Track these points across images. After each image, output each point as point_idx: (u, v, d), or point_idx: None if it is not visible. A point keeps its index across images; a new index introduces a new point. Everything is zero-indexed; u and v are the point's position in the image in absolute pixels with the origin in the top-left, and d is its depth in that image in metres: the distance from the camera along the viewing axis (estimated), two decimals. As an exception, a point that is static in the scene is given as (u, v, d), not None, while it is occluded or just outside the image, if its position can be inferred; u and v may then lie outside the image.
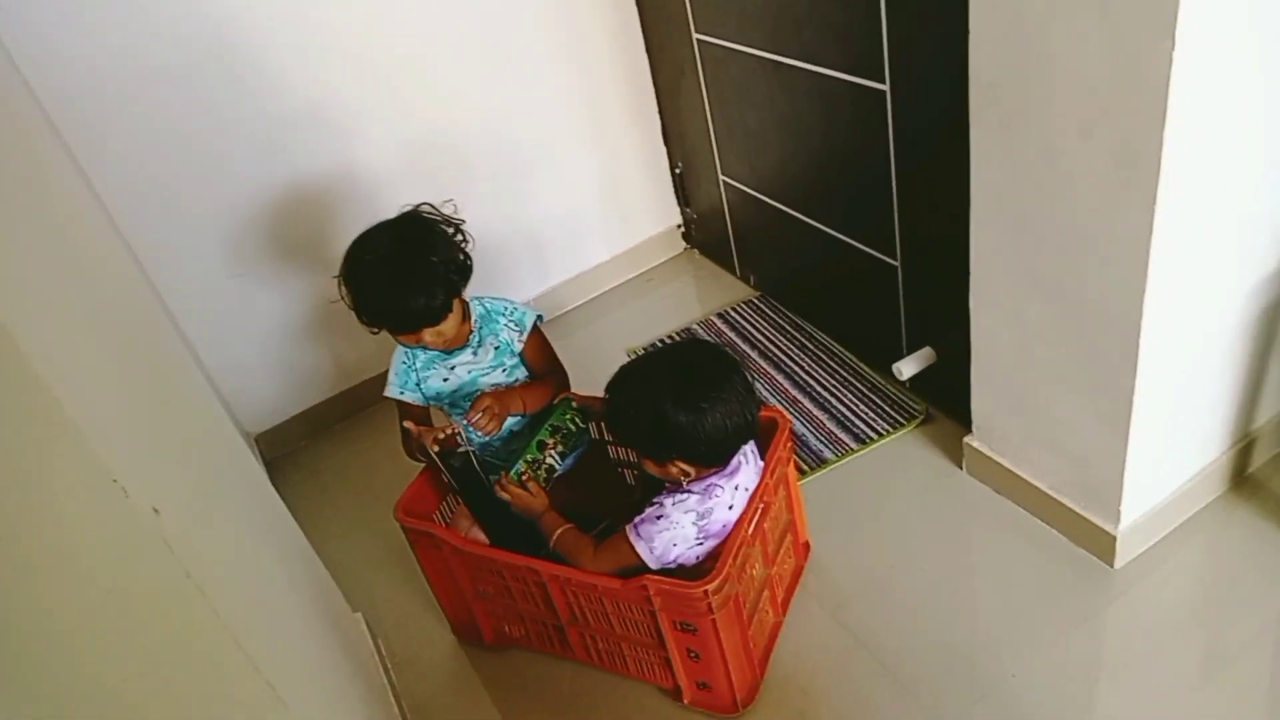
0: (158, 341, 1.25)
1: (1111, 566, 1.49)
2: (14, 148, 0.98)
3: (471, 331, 1.58)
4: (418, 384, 1.58)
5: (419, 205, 1.52)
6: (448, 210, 1.52)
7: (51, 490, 0.66)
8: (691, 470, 1.34)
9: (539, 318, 1.65)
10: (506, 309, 1.62)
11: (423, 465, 1.56)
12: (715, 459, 1.34)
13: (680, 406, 1.27)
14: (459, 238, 1.51)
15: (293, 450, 2.25)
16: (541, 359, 1.64)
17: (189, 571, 0.74)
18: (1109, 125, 1.12)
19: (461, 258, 1.50)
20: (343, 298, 1.48)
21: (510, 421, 1.60)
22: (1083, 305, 1.30)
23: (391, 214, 1.51)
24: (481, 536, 1.54)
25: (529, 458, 1.50)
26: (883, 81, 1.58)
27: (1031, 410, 1.51)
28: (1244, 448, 1.53)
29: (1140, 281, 1.19)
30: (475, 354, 1.58)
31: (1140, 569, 1.49)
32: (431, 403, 1.61)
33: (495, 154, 2.21)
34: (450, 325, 1.50)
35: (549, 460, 1.51)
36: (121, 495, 0.69)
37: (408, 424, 1.55)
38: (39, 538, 0.66)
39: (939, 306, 1.72)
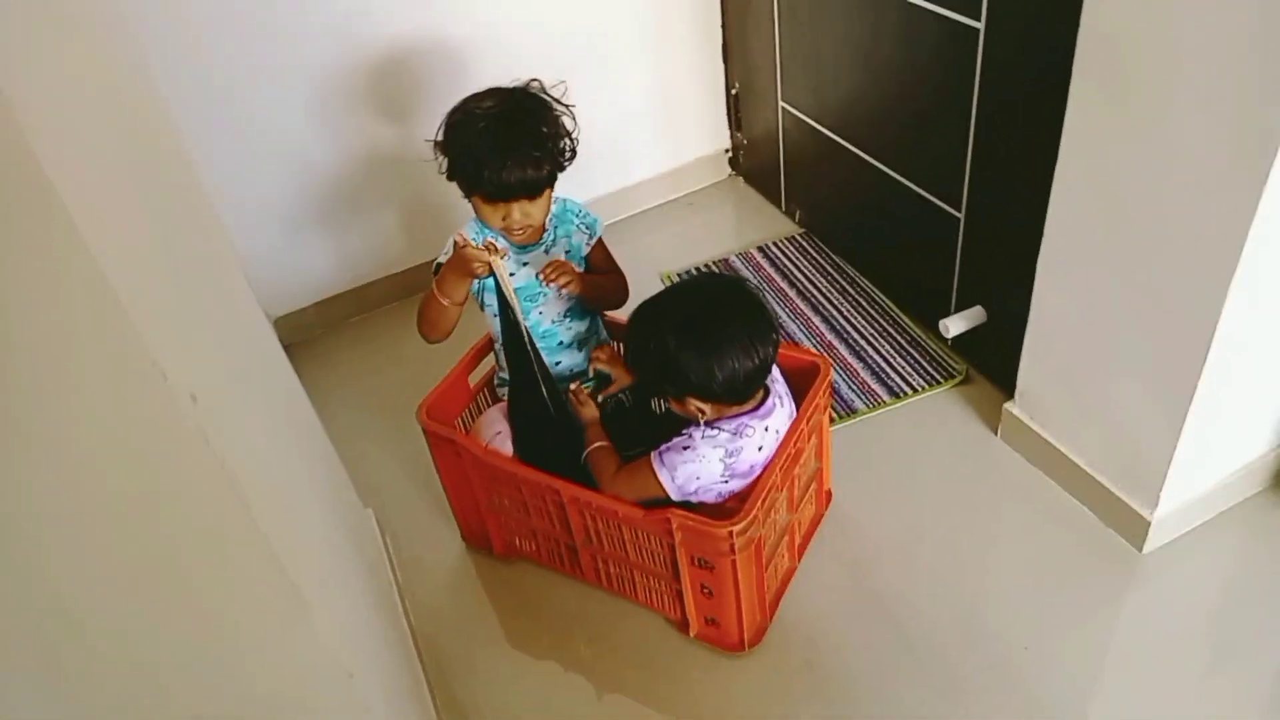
0: (197, 214, 1.20)
1: (1140, 551, 1.46)
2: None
3: (546, 229, 1.52)
4: None
5: (530, 80, 1.45)
6: (557, 92, 1.46)
7: (91, 370, 0.62)
8: (707, 408, 1.30)
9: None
10: (579, 210, 1.57)
11: (437, 366, 1.51)
12: (730, 398, 1.30)
13: (686, 346, 1.24)
14: (569, 121, 1.45)
15: (308, 339, 2.21)
16: (605, 263, 1.61)
17: (224, 463, 0.70)
18: (1233, 103, 1.04)
19: (569, 140, 1.44)
20: (436, 157, 1.42)
21: (566, 324, 1.56)
22: (1160, 290, 1.24)
23: (447, 96, 1.44)
24: (506, 445, 1.50)
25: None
26: (978, 19, 1.47)
27: (1083, 385, 1.45)
28: (1292, 448, 1.49)
29: (1228, 274, 1.13)
30: (548, 253, 1.52)
31: (1168, 557, 1.46)
32: (478, 296, 1.53)
33: (550, 52, 2.11)
34: (540, 209, 1.44)
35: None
36: (161, 379, 0.65)
37: (459, 237, 1.40)
38: (74, 418, 0.62)
39: (998, 266, 1.65)
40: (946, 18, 1.54)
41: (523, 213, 1.42)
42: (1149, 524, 1.42)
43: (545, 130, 1.40)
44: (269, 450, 0.96)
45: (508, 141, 1.37)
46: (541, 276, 1.46)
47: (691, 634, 1.45)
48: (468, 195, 1.44)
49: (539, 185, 1.41)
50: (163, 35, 1.76)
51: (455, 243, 1.41)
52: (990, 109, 1.54)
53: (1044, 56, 1.31)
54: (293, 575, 0.78)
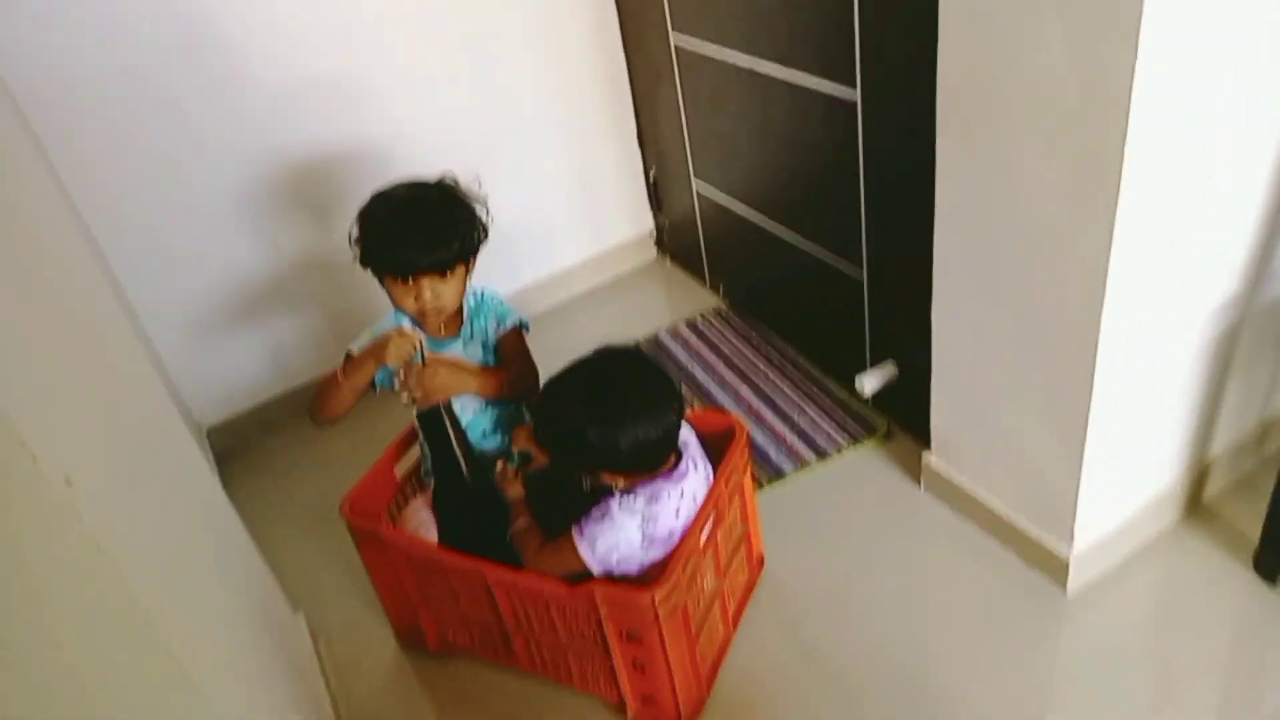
0: (96, 319, 1.21)
1: (1064, 590, 1.47)
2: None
3: (464, 324, 1.55)
4: None
5: (443, 173, 1.51)
6: (473, 185, 1.52)
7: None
8: (620, 479, 1.32)
9: (524, 324, 1.61)
10: (497, 302, 1.60)
11: (372, 462, 1.52)
12: (639, 466, 1.32)
13: (592, 421, 1.26)
14: (480, 209, 1.50)
15: (245, 445, 2.19)
16: (512, 352, 1.60)
17: (100, 546, 0.70)
18: (1070, 137, 1.12)
19: (480, 227, 1.48)
20: (351, 245, 1.46)
21: (487, 413, 1.57)
22: (1041, 321, 1.30)
23: (364, 196, 1.49)
24: (431, 534, 1.49)
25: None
26: (854, 89, 1.57)
27: (989, 427, 1.50)
28: (1198, 475, 1.53)
29: (1098, 299, 1.19)
30: (464, 348, 1.54)
31: (1092, 594, 1.48)
32: (384, 386, 1.54)
33: (468, 146, 2.18)
34: (451, 289, 1.46)
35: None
36: (31, 461, 0.65)
37: (391, 333, 1.43)
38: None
39: (903, 321, 1.71)
40: (826, 93, 1.64)
41: (433, 292, 1.45)
42: (1068, 562, 1.45)
43: (453, 212, 1.45)
44: (163, 542, 0.95)
45: (413, 219, 1.42)
46: (398, 388, 1.45)
47: (630, 716, 1.43)
48: (380, 279, 1.47)
49: (445, 261, 1.44)
50: (73, 140, 1.79)
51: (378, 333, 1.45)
52: (876, 173, 1.62)
53: (915, 120, 1.39)
54: (179, 654, 0.77)
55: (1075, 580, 1.47)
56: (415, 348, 1.43)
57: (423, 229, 1.41)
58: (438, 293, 1.45)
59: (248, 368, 2.17)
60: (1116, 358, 1.25)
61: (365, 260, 1.47)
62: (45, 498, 0.67)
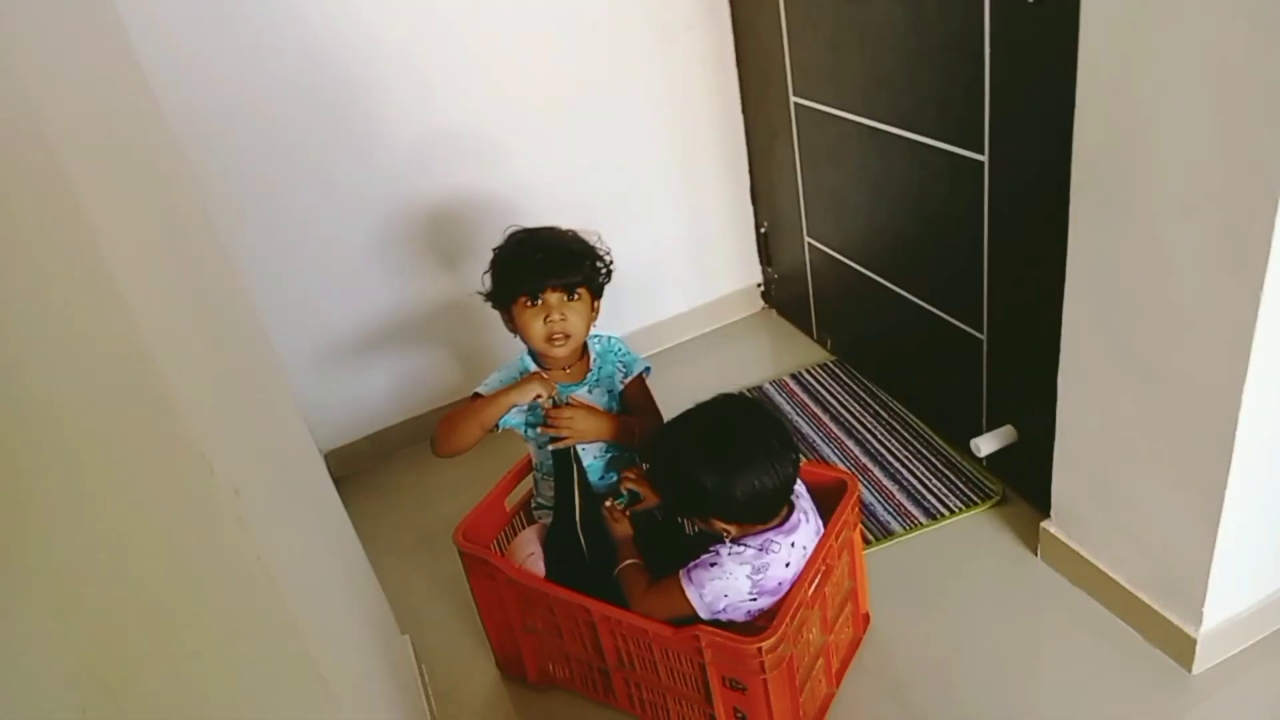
0: (250, 343, 1.30)
1: (1189, 671, 1.40)
2: (138, 152, 1.04)
3: (590, 370, 1.60)
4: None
5: (568, 230, 1.58)
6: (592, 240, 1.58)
7: (142, 461, 0.69)
8: (732, 528, 1.33)
9: (647, 369, 1.66)
10: (621, 350, 1.64)
11: (479, 494, 1.57)
12: (752, 516, 1.32)
13: (706, 469, 1.27)
14: (606, 257, 1.57)
15: (360, 470, 2.29)
16: (641, 401, 1.64)
17: (260, 555, 0.75)
18: (1215, 208, 1.09)
19: (606, 267, 1.55)
20: (482, 283, 1.55)
21: (605, 456, 1.61)
22: (1177, 392, 1.26)
23: (491, 242, 1.57)
24: (539, 567, 1.52)
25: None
26: (981, 152, 1.57)
27: (1115, 498, 1.45)
28: (1342, 562, 1.44)
29: (1241, 371, 1.15)
30: (590, 392, 1.59)
31: (1219, 677, 1.40)
32: (514, 427, 1.59)
33: (589, 201, 2.26)
34: (579, 315, 1.51)
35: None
36: (208, 472, 0.71)
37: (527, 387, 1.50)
38: (125, 506, 0.68)
39: (1023, 384, 1.68)
40: (952, 152, 1.64)
41: (560, 313, 1.49)
42: (1195, 641, 1.38)
43: (583, 244, 1.53)
44: (306, 555, 1.01)
45: (544, 245, 1.51)
46: (545, 424, 1.52)
47: (728, 762, 1.42)
48: (509, 310, 1.52)
49: (572, 280, 1.50)
50: (220, 182, 1.92)
51: (517, 377, 1.54)
52: (1001, 233, 1.61)
53: (1044, 181, 1.38)
54: (320, 668, 0.81)
55: (1202, 662, 1.40)
56: (554, 390, 1.50)
57: (551, 250, 1.50)
58: (564, 314, 1.49)
59: (369, 399, 2.27)
60: (1257, 432, 1.20)
61: (497, 289, 1.53)
62: (218, 506, 0.72)
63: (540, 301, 1.50)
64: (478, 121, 2.11)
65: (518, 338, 1.57)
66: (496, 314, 1.58)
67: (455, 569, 1.59)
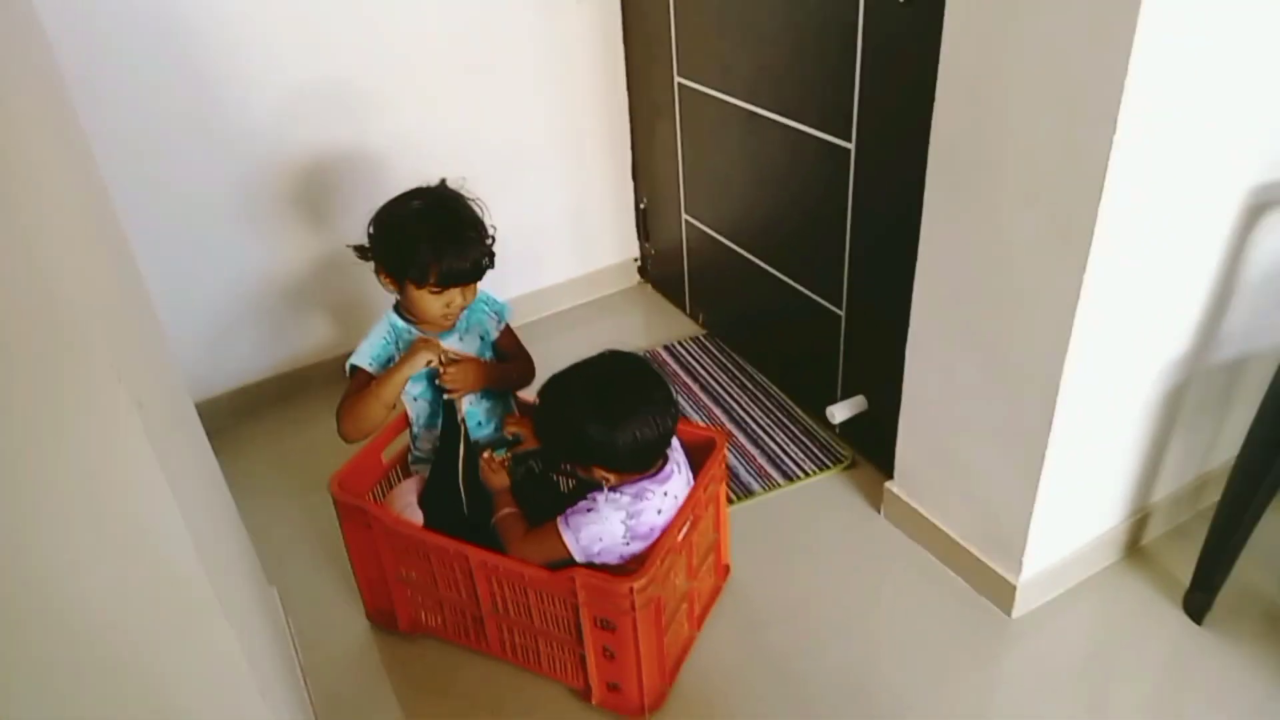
0: (132, 268, 1.27)
1: (1009, 616, 1.58)
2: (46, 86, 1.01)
3: (459, 318, 1.62)
4: (389, 360, 1.55)
5: (440, 179, 1.56)
6: (461, 188, 1.56)
7: (45, 366, 0.69)
8: (612, 476, 1.40)
9: (510, 311, 1.70)
10: (488, 298, 1.67)
11: (350, 449, 1.57)
12: (633, 465, 1.40)
13: (595, 420, 1.34)
14: (486, 218, 1.56)
15: (224, 426, 2.22)
16: (513, 347, 1.69)
17: (161, 469, 0.76)
18: (1049, 198, 1.24)
19: (491, 230, 1.55)
20: (366, 251, 1.51)
21: (482, 405, 1.64)
22: (1009, 365, 1.41)
23: (367, 196, 1.55)
24: (417, 516, 1.55)
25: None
26: (849, 140, 1.69)
27: (951, 461, 1.60)
28: (1140, 520, 1.65)
29: (1063, 347, 1.30)
30: (461, 340, 1.61)
31: (1035, 622, 1.58)
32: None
33: (470, 160, 2.26)
34: (474, 293, 1.53)
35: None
36: (115, 380, 0.71)
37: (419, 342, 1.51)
38: (34, 416, 0.68)
39: (876, 357, 1.82)
40: (822, 139, 1.76)
41: (461, 298, 1.52)
42: (1015, 589, 1.55)
43: (478, 223, 1.53)
44: (194, 483, 1.01)
45: (454, 231, 1.48)
46: (440, 381, 1.53)
47: (594, 701, 1.49)
48: (405, 286, 1.51)
49: (482, 270, 1.52)
50: (96, 103, 1.84)
51: (391, 342, 1.53)
52: (863, 217, 1.74)
53: (905, 169, 1.51)
54: (214, 585, 0.83)
55: (1020, 607, 1.57)
56: (442, 349, 1.52)
57: (460, 242, 1.47)
58: (466, 297, 1.52)
59: (236, 351, 2.21)
60: (1075, 403, 1.37)
61: (394, 271, 1.50)
62: (121, 418, 0.73)
63: (443, 290, 1.51)
64: (359, 74, 2.09)
65: (390, 291, 1.56)
66: (367, 267, 1.56)
67: (320, 523, 1.59)
